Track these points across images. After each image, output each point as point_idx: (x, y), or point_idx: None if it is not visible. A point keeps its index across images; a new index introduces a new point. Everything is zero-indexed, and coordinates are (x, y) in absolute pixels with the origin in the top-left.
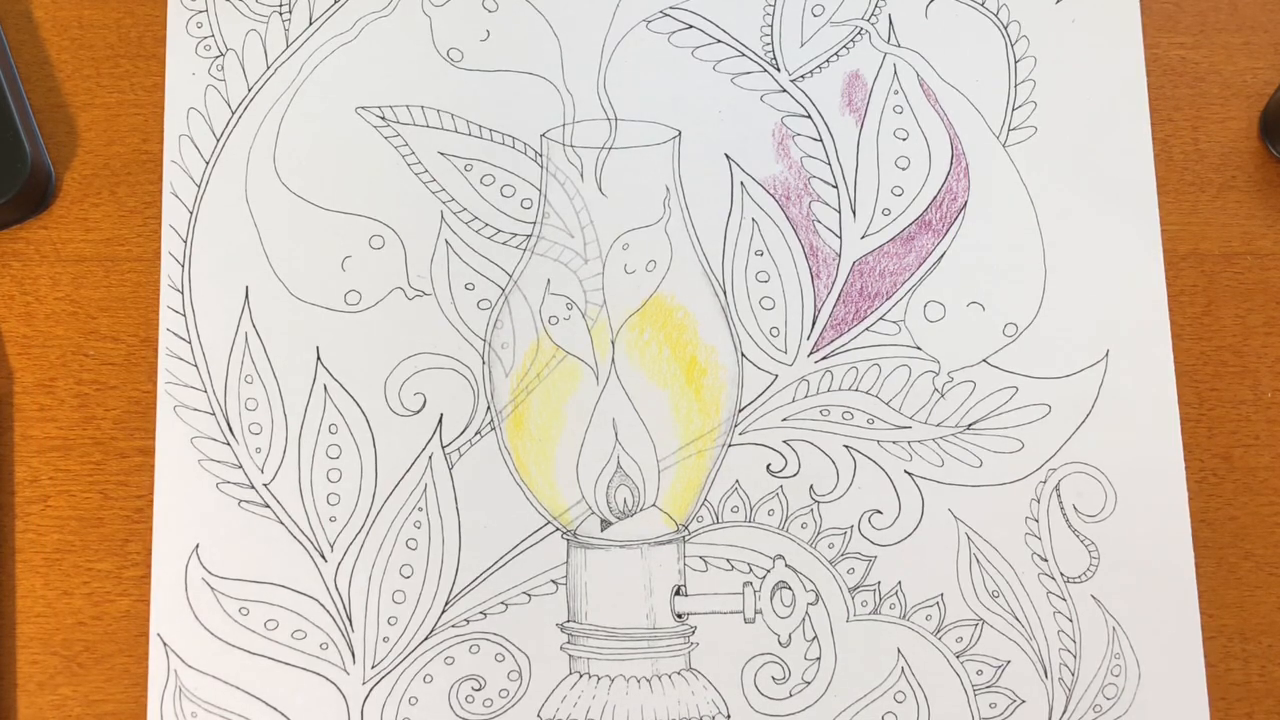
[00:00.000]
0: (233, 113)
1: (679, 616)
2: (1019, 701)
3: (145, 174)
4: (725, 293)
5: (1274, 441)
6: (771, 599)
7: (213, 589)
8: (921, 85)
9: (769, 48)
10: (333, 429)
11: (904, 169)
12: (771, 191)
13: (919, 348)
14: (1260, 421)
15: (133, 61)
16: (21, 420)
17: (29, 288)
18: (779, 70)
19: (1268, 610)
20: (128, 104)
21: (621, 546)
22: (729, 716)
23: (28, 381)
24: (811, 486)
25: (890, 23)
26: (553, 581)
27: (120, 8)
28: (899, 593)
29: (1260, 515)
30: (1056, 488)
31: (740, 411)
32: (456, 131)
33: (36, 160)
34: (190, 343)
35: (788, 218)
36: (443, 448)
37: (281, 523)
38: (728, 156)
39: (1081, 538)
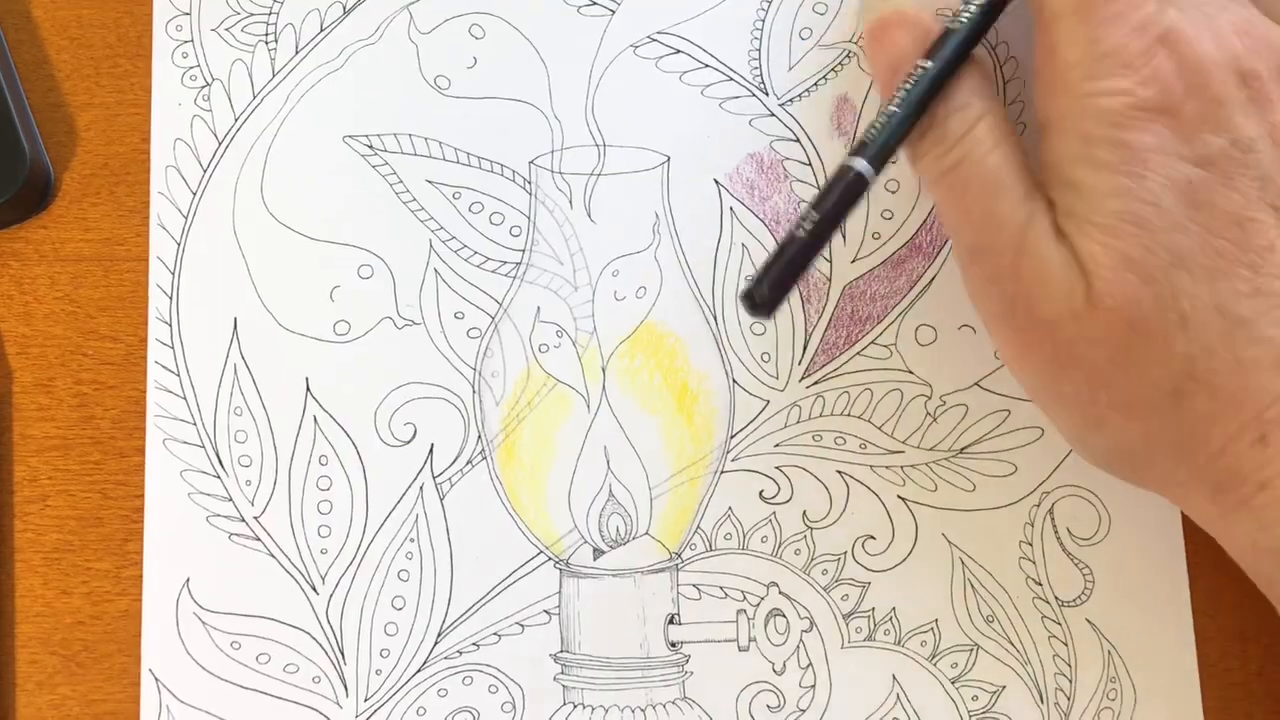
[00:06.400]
0: (219, 143)
1: (673, 645)
2: None
3: (145, 174)
4: (716, 319)
5: None
6: (765, 626)
7: (204, 623)
8: None
9: (757, 71)
10: (323, 460)
11: (893, 192)
12: (761, 217)
13: (910, 371)
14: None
15: (132, 61)
16: (20, 420)
17: (28, 287)
18: (767, 94)
19: (1267, 609)
20: (127, 104)
21: (614, 575)
22: None
23: (26, 381)
24: (804, 512)
25: None
26: (545, 611)
27: (119, 7)
28: (893, 619)
29: None
30: (1050, 511)
31: (732, 438)
32: (444, 159)
33: (36, 160)
34: (179, 375)
35: (778, 243)
36: (434, 478)
37: (273, 555)
38: (717, 182)
39: (1075, 561)
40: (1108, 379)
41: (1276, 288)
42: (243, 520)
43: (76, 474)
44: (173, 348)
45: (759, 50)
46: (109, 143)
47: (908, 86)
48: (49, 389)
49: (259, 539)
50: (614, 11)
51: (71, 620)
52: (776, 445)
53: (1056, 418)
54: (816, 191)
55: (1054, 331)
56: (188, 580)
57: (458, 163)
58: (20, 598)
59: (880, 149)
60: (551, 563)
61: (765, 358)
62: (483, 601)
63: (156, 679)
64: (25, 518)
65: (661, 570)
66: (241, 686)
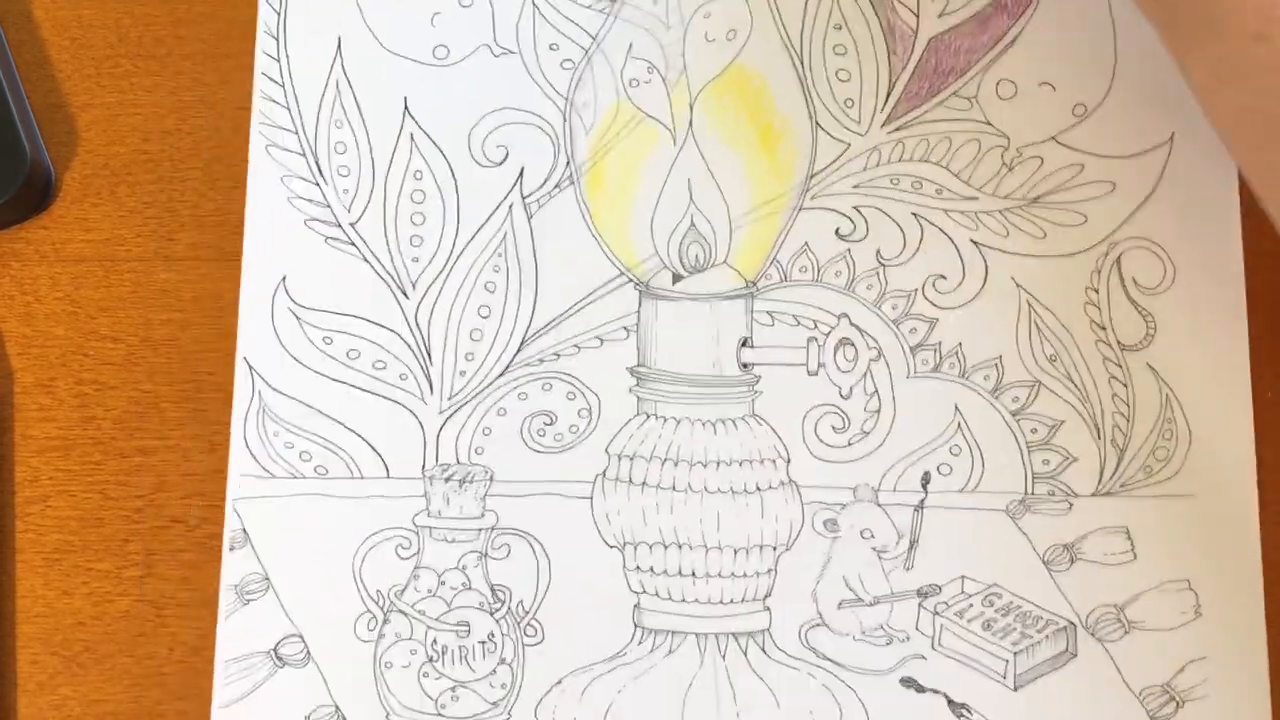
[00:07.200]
0: None
1: (744, 366)
2: (1071, 459)
3: (145, 174)
4: (802, 64)
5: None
6: (835, 354)
7: (298, 318)
8: None
9: None
10: (418, 175)
11: None
12: None
13: (989, 123)
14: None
15: (133, 61)
16: (21, 420)
17: (29, 288)
18: None
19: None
20: (127, 104)
21: (692, 299)
22: (789, 461)
23: (27, 381)
24: (878, 250)
25: None
26: (624, 328)
27: (120, 7)
28: (959, 353)
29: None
30: (1118, 260)
31: (812, 177)
32: None
33: (36, 160)
34: (283, 85)
35: None
36: (523, 198)
37: (366, 260)
38: None
39: (1139, 308)
40: None
41: None
42: (339, 226)
43: (77, 474)
44: (278, 61)
45: None
46: (109, 143)
47: None
48: (50, 389)
49: (354, 244)
50: None
51: (72, 621)
52: (855, 186)
53: None
54: None
55: None
56: (284, 278)
57: None
58: (21, 598)
59: None
60: (632, 284)
61: (849, 103)
62: (564, 315)
63: (250, 365)
64: (26, 518)
65: (737, 297)
66: (331, 379)
